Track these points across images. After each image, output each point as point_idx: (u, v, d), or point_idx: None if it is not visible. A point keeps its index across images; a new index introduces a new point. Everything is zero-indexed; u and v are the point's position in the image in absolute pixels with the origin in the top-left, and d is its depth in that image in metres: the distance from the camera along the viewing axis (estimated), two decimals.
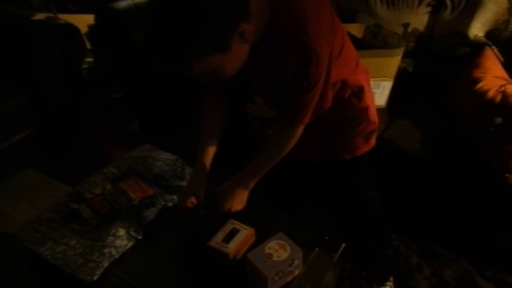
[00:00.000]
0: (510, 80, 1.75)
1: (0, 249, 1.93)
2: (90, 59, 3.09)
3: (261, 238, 1.20)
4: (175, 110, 2.72)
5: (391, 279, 1.74)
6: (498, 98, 1.63)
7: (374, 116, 1.41)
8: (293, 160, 1.48)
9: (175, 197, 1.40)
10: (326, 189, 1.68)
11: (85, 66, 3.04)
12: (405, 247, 1.86)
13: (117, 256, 1.20)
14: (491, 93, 1.67)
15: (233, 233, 1.23)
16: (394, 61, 1.91)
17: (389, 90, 1.96)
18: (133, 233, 1.27)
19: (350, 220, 1.65)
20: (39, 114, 2.26)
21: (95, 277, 1.13)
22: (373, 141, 1.47)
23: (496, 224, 1.71)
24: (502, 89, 1.64)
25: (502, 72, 1.79)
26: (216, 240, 1.21)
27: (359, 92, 1.32)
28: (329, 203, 1.78)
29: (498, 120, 1.59)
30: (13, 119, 2.16)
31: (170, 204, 1.38)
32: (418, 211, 1.90)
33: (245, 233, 1.23)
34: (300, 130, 1.23)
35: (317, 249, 1.24)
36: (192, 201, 1.25)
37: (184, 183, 1.45)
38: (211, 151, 1.31)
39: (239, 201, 1.27)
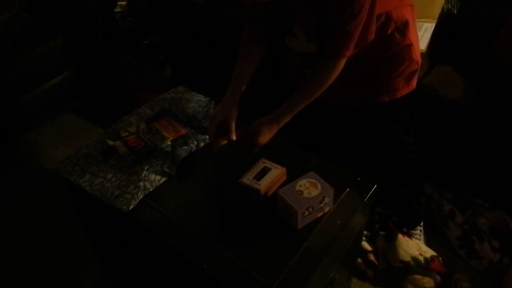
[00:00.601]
0: None
1: (44, 185, 2.04)
2: (123, 3, 3.07)
3: (292, 178, 1.20)
4: (208, 58, 2.69)
5: (422, 224, 1.73)
6: None
7: (417, 55, 1.36)
8: (331, 104, 1.46)
9: (207, 137, 1.41)
10: (363, 135, 1.65)
11: (118, 10, 3.03)
12: (438, 195, 1.83)
13: (151, 189, 1.24)
14: None
15: (264, 171, 1.24)
16: (438, 1, 1.80)
17: (431, 33, 1.85)
18: (166, 169, 1.29)
19: (386, 166, 1.63)
20: (74, 57, 2.29)
21: (131, 207, 1.18)
22: (414, 83, 1.41)
23: None
24: None
25: None
26: (248, 178, 1.23)
27: (404, 27, 1.26)
28: (366, 149, 1.75)
29: None
30: (49, 62, 2.20)
31: (202, 144, 1.40)
32: (454, 161, 1.84)
33: (277, 172, 1.24)
34: (341, 64, 1.19)
35: (348, 189, 1.23)
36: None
37: None
38: (243, 80, 1.30)
39: (267, 135, 1.25)
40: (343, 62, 1.18)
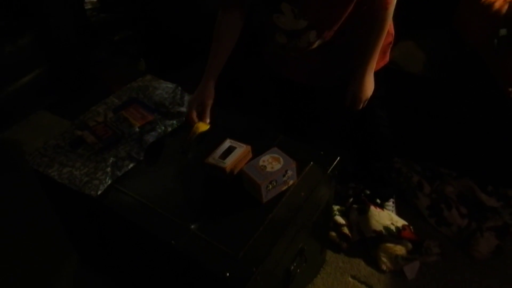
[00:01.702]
0: None
1: (19, 182, 2.05)
2: (94, 0, 3.06)
3: (258, 155, 1.23)
4: (180, 49, 2.71)
5: (394, 196, 1.79)
6: (504, 9, 1.57)
7: (392, 26, 1.41)
8: (310, 86, 1.50)
9: (174, 122, 1.44)
10: (339, 111, 1.69)
11: (89, 7, 3.03)
12: (407, 168, 1.88)
13: (119, 175, 1.26)
14: (497, 4, 1.60)
15: (229, 150, 1.27)
16: None
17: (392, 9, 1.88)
18: (134, 155, 1.32)
19: (362, 140, 1.68)
20: (46, 54, 2.29)
21: (99, 192, 1.20)
22: (388, 56, 1.47)
23: (498, 141, 1.70)
24: None
25: None
26: (214, 157, 1.26)
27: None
28: (342, 124, 1.80)
29: (503, 31, 1.54)
30: (20, 59, 2.20)
31: (170, 129, 1.42)
32: (421, 133, 1.90)
33: (242, 150, 1.27)
34: (392, 9, 1.28)
35: (312, 162, 1.27)
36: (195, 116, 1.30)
37: (183, 109, 1.48)
38: (219, 64, 1.34)
39: (371, 85, 1.39)
40: (391, 11, 1.28)
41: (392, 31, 1.43)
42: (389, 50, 1.47)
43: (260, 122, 1.61)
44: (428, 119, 1.84)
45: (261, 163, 1.19)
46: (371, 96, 1.51)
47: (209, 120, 1.32)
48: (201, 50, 2.61)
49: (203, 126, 1.30)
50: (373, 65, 1.36)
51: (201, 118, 1.31)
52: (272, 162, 1.19)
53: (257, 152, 1.27)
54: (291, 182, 1.20)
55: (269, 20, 1.29)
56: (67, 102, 2.52)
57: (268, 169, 1.17)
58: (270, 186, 1.15)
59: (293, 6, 1.21)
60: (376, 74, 1.44)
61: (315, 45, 1.31)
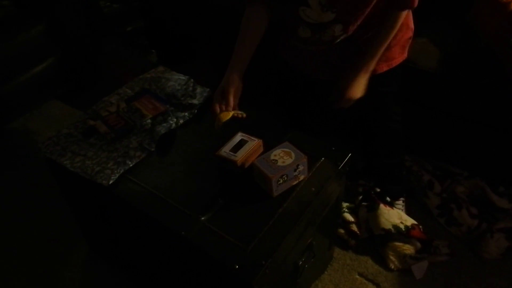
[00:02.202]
0: None
1: (31, 172, 2.07)
2: None
3: (269, 149, 1.23)
4: (192, 41, 2.71)
5: (404, 195, 1.78)
6: None
7: (411, 21, 1.41)
8: (326, 81, 1.48)
9: (186, 114, 1.44)
10: (354, 106, 1.68)
11: None
12: (418, 166, 1.86)
13: (131, 165, 1.27)
14: None
15: (241, 144, 1.27)
16: None
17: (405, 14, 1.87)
18: (146, 145, 1.32)
19: (374, 135, 1.67)
20: (58, 44, 2.30)
21: (111, 182, 1.21)
22: (406, 52, 1.46)
23: (511, 141, 1.68)
24: None
25: None
26: (225, 150, 1.26)
27: None
28: (355, 119, 1.78)
29: None
30: (32, 49, 2.21)
31: (181, 121, 1.42)
32: (433, 131, 1.88)
33: (253, 144, 1.27)
34: (405, 14, 1.26)
35: (323, 158, 1.27)
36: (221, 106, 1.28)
37: (195, 101, 1.48)
38: (245, 57, 1.32)
39: (361, 87, 1.33)
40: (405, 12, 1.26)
41: (412, 25, 1.41)
42: (408, 45, 1.45)
43: (272, 116, 1.60)
44: (440, 116, 1.82)
45: (272, 157, 1.18)
46: (386, 90, 1.50)
47: (232, 108, 1.28)
48: (212, 43, 2.63)
49: (225, 116, 1.27)
50: (370, 68, 1.32)
51: (224, 108, 1.29)
52: (283, 156, 1.18)
53: (269, 146, 1.27)
54: (302, 177, 1.20)
55: (294, 14, 1.27)
56: (79, 92, 2.54)
57: (280, 163, 1.16)
58: (281, 180, 1.15)
59: None
60: (394, 70, 1.44)
61: (338, 40, 1.30)
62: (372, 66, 1.32)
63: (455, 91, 1.74)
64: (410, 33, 1.43)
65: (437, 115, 1.83)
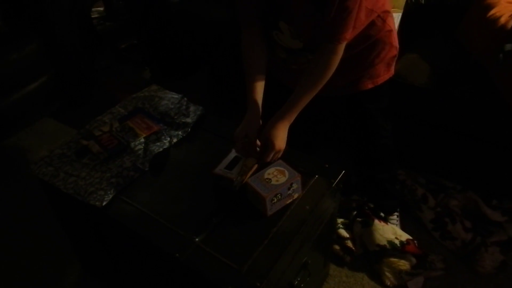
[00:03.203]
0: None
1: (23, 190, 2.05)
2: (101, 8, 3.09)
3: (264, 167, 1.23)
4: (185, 57, 2.72)
5: (398, 210, 1.78)
6: (510, 24, 1.58)
7: (396, 41, 1.42)
8: (315, 96, 1.49)
9: (179, 132, 1.44)
10: (343, 121, 1.69)
11: (95, 15, 3.05)
12: (411, 180, 1.87)
13: (124, 185, 1.26)
14: (503, 19, 1.61)
15: (236, 160, 1.27)
16: None
17: (398, 23, 1.90)
18: (139, 165, 1.32)
19: (364, 152, 1.68)
20: (52, 61, 2.30)
21: (104, 203, 1.20)
22: (393, 69, 1.48)
23: (503, 154, 1.70)
24: None
25: None
26: (221, 168, 1.26)
27: (384, 15, 1.31)
28: (344, 135, 1.79)
29: (508, 46, 1.54)
30: (26, 67, 2.20)
31: (175, 140, 1.42)
32: (425, 146, 1.90)
33: (248, 161, 1.27)
34: (341, 49, 1.19)
35: (316, 175, 1.27)
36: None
37: (189, 120, 1.48)
38: (260, 88, 1.27)
39: (280, 138, 1.22)
40: (343, 46, 1.19)
41: (396, 44, 1.43)
42: (394, 63, 1.48)
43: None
44: (432, 131, 1.84)
45: (266, 175, 1.19)
46: (373, 107, 1.52)
47: (256, 151, 1.26)
48: (205, 59, 2.64)
49: (253, 163, 1.25)
50: (292, 117, 1.23)
51: (249, 151, 1.26)
52: (277, 175, 1.19)
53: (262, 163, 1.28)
54: (296, 196, 1.20)
55: (270, 36, 1.30)
56: (72, 110, 2.54)
57: (273, 182, 1.16)
58: (275, 200, 1.15)
59: (289, 26, 1.22)
60: (380, 87, 1.45)
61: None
62: (293, 116, 1.23)
63: (446, 106, 1.76)
64: (395, 51, 1.44)
65: (428, 130, 1.85)
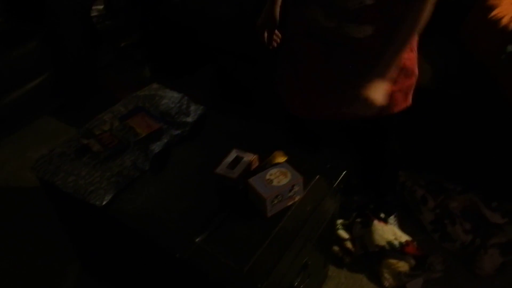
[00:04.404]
0: None
1: (24, 189, 2.05)
2: (100, 7, 3.08)
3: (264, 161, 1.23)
4: (185, 56, 2.72)
5: (397, 210, 1.78)
6: None
7: (416, 67, 1.34)
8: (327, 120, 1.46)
9: (180, 132, 1.43)
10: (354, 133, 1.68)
11: (95, 14, 3.04)
12: (411, 182, 1.87)
13: (125, 184, 1.25)
14: (505, 20, 1.61)
15: (237, 160, 1.27)
16: None
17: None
18: (140, 164, 1.31)
19: (369, 152, 1.67)
20: (53, 59, 2.30)
21: (104, 202, 1.19)
22: (410, 99, 1.39)
23: (504, 156, 1.70)
24: None
25: None
26: (222, 167, 1.25)
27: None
28: (353, 140, 1.78)
29: (510, 47, 1.54)
30: (27, 64, 2.20)
31: (175, 139, 1.42)
32: (426, 146, 1.89)
33: (249, 160, 1.26)
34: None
35: (318, 175, 1.27)
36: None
37: (189, 119, 1.48)
38: None
39: (378, 93, 1.15)
40: None
41: (417, 71, 1.34)
42: (411, 92, 1.38)
43: (267, 128, 1.60)
44: (433, 131, 1.84)
45: (268, 176, 1.18)
46: (387, 124, 1.46)
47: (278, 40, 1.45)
48: (206, 57, 2.64)
49: (280, 157, 1.26)
50: (390, 72, 1.17)
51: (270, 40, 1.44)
52: (279, 175, 1.18)
53: (264, 159, 1.27)
54: (297, 198, 1.19)
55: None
56: (73, 108, 2.53)
57: (275, 183, 1.16)
58: (276, 201, 1.15)
59: None
60: (393, 116, 1.36)
61: (368, 33, 1.17)
62: (391, 71, 1.17)
63: (447, 106, 1.76)
64: (414, 79, 1.35)
65: (429, 130, 1.84)
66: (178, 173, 1.31)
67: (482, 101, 1.68)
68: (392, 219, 1.77)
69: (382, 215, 1.75)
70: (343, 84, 1.31)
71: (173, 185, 1.27)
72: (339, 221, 1.77)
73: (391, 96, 1.27)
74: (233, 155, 1.29)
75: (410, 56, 1.31)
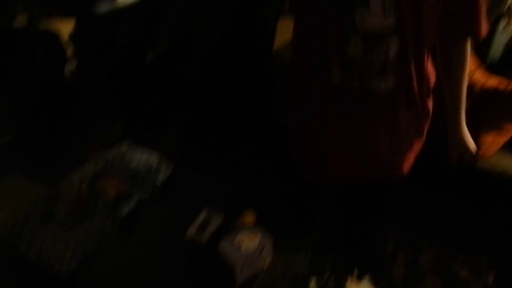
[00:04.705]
0: (481, 65, 1.78)
1: None
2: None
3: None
4: (157, 110, 2.74)
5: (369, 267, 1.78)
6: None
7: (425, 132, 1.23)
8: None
9: (149, 193, 1.43)
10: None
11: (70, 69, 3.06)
12: (381, 237, 1.89)
13: (91, 250, 1.22)
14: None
15: (207, 221, 1.27)
16: None
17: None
18: (107, 229, 1.29)
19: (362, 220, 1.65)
20: (19, 118, 2.27)
21: (68, 270, 1.15)
22: (424, 136, 1.26)
23: (467, 209, 1.76)
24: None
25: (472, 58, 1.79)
26: (192, 231, 1.25)
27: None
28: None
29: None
30: None
31: (144, 201, 1.41)
32: (394, 199, 1.93)
33: (218, 221, 1.27)
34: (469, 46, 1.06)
35: (289, 234, 1.27)
36: None
37: (159, 180, 1.48)
38: None
39: (470, 142, 1.18)
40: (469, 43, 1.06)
41: (424, 135, 1.22)
42: (426, 130, 1.22)
43: (238, 184, 1.60)
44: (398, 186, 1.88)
45: (237, 240, 1.18)
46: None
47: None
48: (176, 114, 2.65)
49: (249, 217, 1.27)
50: (463, 114, 1.15)
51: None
52: (249, 237, 1.18)
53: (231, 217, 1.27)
54: (267, 259, 1.19)
55: (350, 20, 1.01)
56: (39, 165, 2.47)
57: (244, 248, 1.15)
58: (245, 268, 1.14)
59: None
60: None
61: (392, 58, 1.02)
62: (463, 110, 1.15)
63: None
64: (428, 118, 1.20)
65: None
66: (146, 238, 1.29)
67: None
68: (366, 277, 1.76)
69: (356, 272, 1.74)
70: (372, 147, 1.18)
71: (140, 252, 1.25)
72: (313, 278, 1.75)
73: (406, 157, 1.23)
74: (202, 216, 1.29)
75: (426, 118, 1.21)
